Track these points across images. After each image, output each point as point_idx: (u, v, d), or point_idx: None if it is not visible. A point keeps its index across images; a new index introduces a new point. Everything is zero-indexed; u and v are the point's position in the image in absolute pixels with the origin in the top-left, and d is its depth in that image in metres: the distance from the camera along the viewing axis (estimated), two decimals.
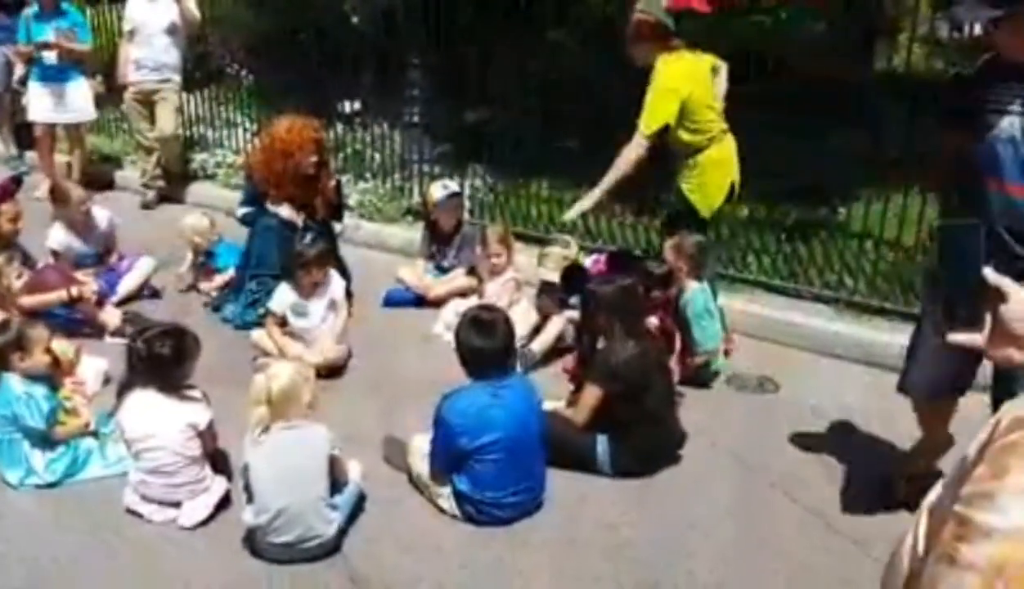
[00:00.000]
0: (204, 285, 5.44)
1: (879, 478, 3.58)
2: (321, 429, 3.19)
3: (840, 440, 4.01)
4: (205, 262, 5.49)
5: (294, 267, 4.60)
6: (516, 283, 5.03)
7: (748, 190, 4.86)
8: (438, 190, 5.59)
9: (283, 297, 4.64)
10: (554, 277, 4.80)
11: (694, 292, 4.47)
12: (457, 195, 5.63)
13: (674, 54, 4.33)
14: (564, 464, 3.63)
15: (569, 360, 4.30)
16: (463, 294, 5.29)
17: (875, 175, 5.52)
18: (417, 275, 5.54)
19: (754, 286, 5.44)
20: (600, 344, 3.69)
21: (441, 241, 5.62)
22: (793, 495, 3.59)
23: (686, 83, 4.29)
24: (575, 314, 4.52)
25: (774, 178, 5.70)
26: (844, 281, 5.26)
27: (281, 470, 3.11)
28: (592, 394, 3.63)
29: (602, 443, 3.62)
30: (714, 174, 4.47)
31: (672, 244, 4.54)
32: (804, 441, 4.00)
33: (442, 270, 5.58)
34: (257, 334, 4.66)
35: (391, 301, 5.46)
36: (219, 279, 5.42)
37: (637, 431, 3.60)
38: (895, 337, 4.72)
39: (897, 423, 3.80)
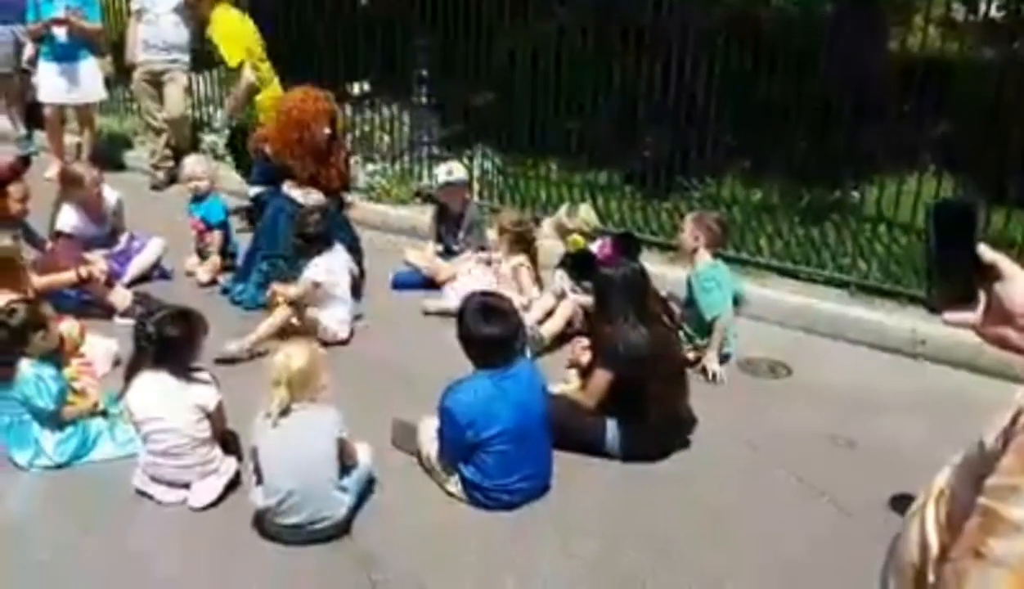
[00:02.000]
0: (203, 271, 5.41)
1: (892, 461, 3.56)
2: (331, 411, 3.18)
3: (853, 425, 3.98)
4: (194, 215, 5.49)
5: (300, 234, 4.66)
6: (527, 268, 5.00)
7: (760, 173, 4.84)
8: (440, 175, 5.59)
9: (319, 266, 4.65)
10: (548, 232, 4.86)
11: (703, 264, 4.44)
12: (456, 183, 5.54)
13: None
14: (573, 448, 3.62)
15: (578, 345, 4.27)
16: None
17: (889, 158, 5.46)
18: (426, 257, 5.52)
19: (767, 270, 5.41)
20: (609, 328, 3.66)
21: (450, 223, 5.59)
22: (805, 480, 3.58)
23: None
24: (586, 298, 4.50)
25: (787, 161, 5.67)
26: (858, 264, 5.23)
27: (291, 452, 3.10)
28: (602, 378, 3.61)
29: (611, 427, 3.61)
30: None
31: (694, 216, 4.53)
32: (816, 425, 3.98)
33: (451, 253, 5.55)
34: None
35: (400, 283, 5.44)
36: (215, 259, 5.42)
37: (647, 415, 3.58)
38: (908, 321, 4.69)
39: (911, 406, 3.77)
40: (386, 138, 7.24)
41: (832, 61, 5.44)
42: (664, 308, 4.10)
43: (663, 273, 5.00)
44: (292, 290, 4.61)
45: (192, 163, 5.65)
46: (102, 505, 3.35)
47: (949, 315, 1.22)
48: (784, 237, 5.55)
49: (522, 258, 4.98)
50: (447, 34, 6.43)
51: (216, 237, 5.45)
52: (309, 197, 5.13)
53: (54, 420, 3.58)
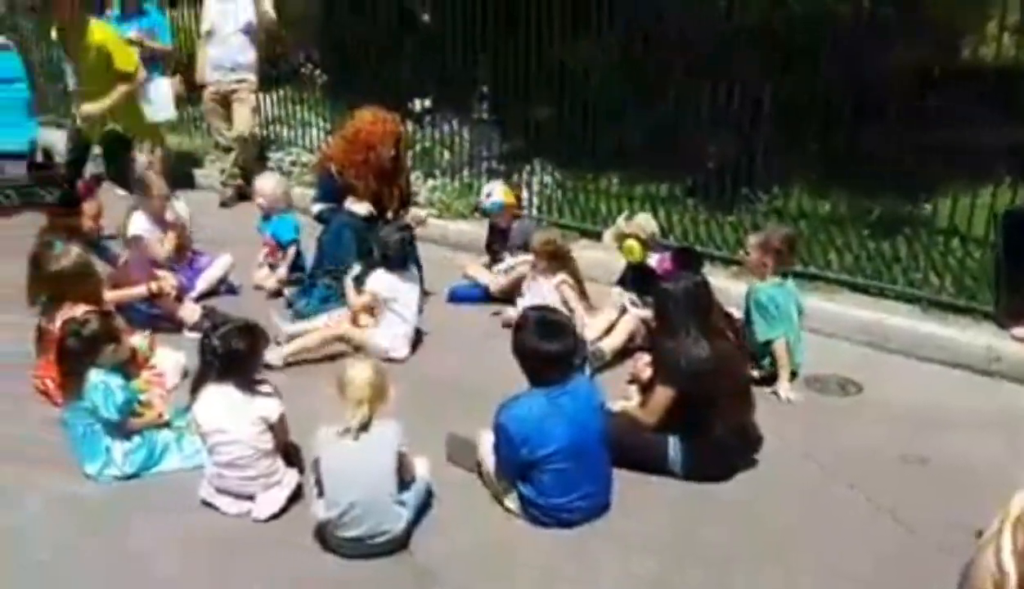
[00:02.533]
0: (270, 281, 5.50)
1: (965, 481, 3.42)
2: (392, 424, 3.18)
3: (924, 443, 3.85)
4: (264, 233, 5.60)
5: (382, 253, 4.69)
6: (570, 285, 4.94)
7: (830, 184, 4.73)
8: (482, 198, 5.71)
9: (381, 280, 4.70)
10: (607, 240, 4.88)
11: (764, 284, 4.35)
12: (490, 208, 5.66)
13: None
14: (634, 466, 3.56)
15: (640, 359, 4.21)
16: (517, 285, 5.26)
17: (963, 169, 5.28)
18: (482, 270, 5.55)
19: (836, 284, 5.29)
20: (671, 343, 3.59)
21: (500, 236, 5.63)
22: (873, 499, 3.47)
23: None
24: (647, 313, 4.44)
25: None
26: (930, 279, 5.07)
27: (353, 465, 3.12)
28: (663, 394, 3.54)
29: (674, 445, 3.54)
30: None
31: (759, 240, 4.43)
32: (886, 445, 3.85)
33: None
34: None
35: (457, 297, 5.47)
36: (282, 271, 5.51)
37: (710, 433, 3.50)
38: (983, 337, 4.52)
39: (985, 425, 3.63)
40: (447, 154, 7.29)
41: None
42: (729, 323, 4.01)
43: (727, 288, 4.92)
44: (360, 299, 4.66)
45: (261, 182, 5.76)
46: (169, 515, 3.41)
47: (1017, 330, 1.15)
48: (854, 251, 5.40)
49: (563, 275, 4.94)
50: (508, 50, 6.46)
51: (288, 254, 5.55)
52: (371, 209, 5.23)
53: (121, 430, 3.66)
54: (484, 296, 5.42)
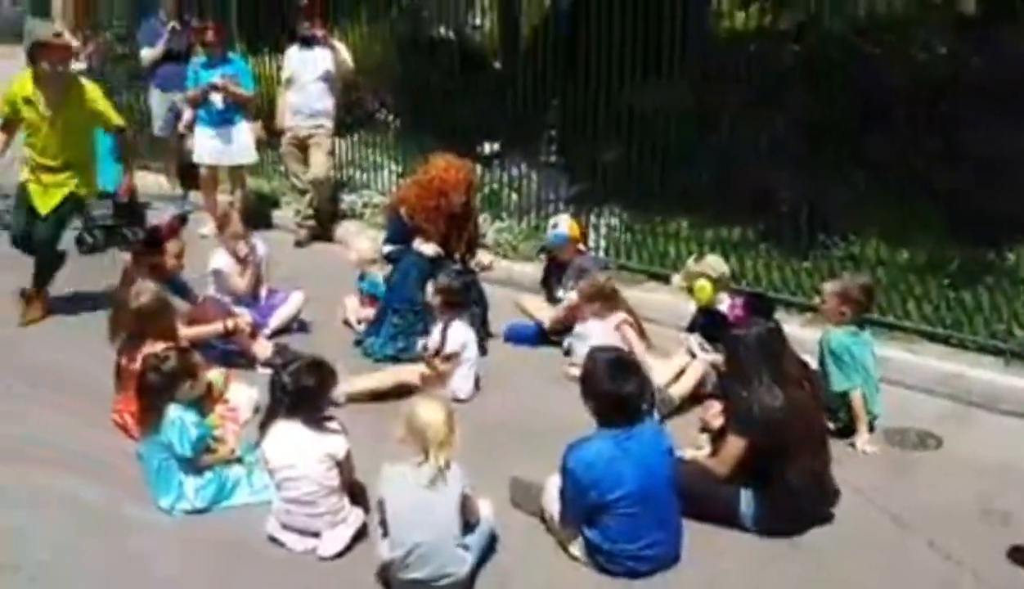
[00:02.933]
0: (362, 313, 5.57)
1: None
2: (456, 467, 3.18)
3: (1007, 499, 3.69)
4: (362, 290, 5.67)
5: (444, 299, 4.74)
6: (630, 323, 4.91)
7: (908, 232, 4.61)
8: (549, 230, 5.77)
9: (459, 334, 4.74)
10: (677, 283, 4.84)
11: (839, 332, 4.24)
12: (555, 240, 5.66)
13: None
14: (705, 517, 3.47)
15: (711, 407, 4.12)
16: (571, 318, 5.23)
17: None
18: (537, 306, 5.58)
19: (914, 335, 5.13)
20: (743, 391, 3.51)
21: (557, 271, 5.64)
22: (952, 556, 3.32)
23: None
24: (717, 358, 4.36)
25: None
26: (1014, 331, 4.87)
27: (418, 506, 3.11)
28: (735, 445, 3.46)
29: (746, 497, 3.44)
30: None
31: (837, 289, 4.32)
32: (967, 500, 3.69)
33: (556, 301, 5.56)
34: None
35: (511, 337, 5.46)
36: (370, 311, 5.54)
37: (784, 485, 3.39)
38: None
39: None
40: (514, 196, 7.35)
41: None
42: (804, 372, 3.91)
43: (801, 335, 4.80)
44: (443, 366, 4.69)
45: (358, 243, 5.83)
46: (237, 550, 3.44)
47: None
48: (933, 300, 5.23)
49: (621, 314, 4.90)
50: (576, 94, 6.52)
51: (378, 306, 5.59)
52: (438, 250, 5.32)
53: (193, 466, 3.74)
54: (538, 334, 5.40)
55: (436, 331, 4.78)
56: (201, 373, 3.90)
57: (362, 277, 5.70)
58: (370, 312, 5.48)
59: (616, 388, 3.22)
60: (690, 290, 4.84)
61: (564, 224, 5.74)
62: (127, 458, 3.94)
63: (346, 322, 5.62)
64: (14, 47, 9.52)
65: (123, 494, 3.74)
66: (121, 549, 3.29)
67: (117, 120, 5.92)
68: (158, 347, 4.08)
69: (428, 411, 3.16)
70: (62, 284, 5.92)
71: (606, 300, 4.94)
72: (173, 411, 3.75)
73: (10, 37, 13.11)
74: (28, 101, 5.40)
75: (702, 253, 5.61)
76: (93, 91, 5.75)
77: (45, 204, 5.52)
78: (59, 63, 5.48)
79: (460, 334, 4.73)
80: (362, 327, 5.46)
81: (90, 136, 5.84)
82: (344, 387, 4.49)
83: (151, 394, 3.82)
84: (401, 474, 3.13)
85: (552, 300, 5.62)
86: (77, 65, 7.45)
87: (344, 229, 7.65)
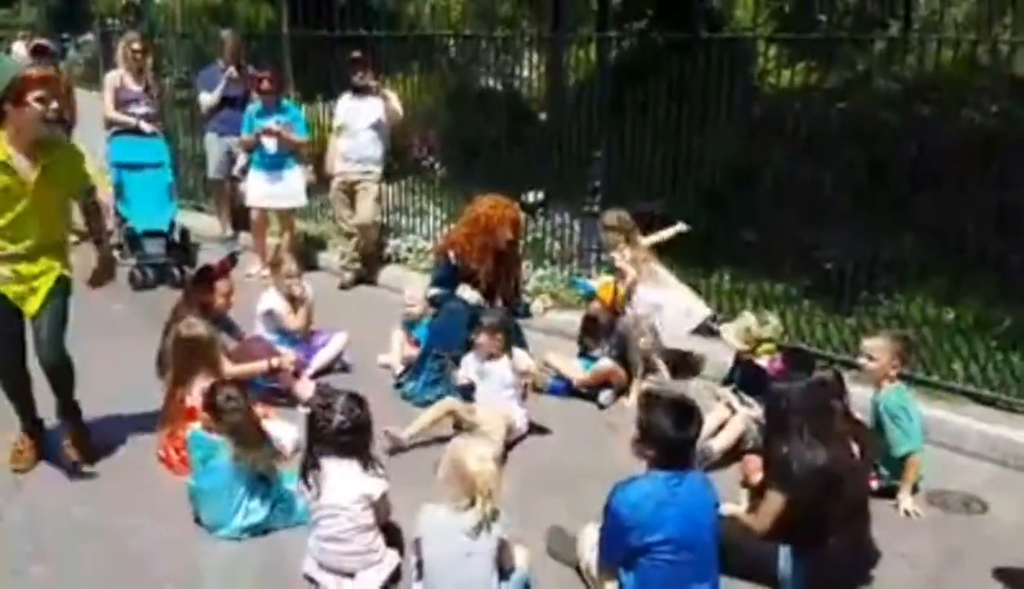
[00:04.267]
0: (405, 352, 5.64)
1: None
2: (503, 515, 3.17)
3: None
4: (412, 334, 5.73)
5: (476, 332, 4.83)
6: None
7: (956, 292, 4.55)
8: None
9: (467, 363, 4.87)
10: (732, 341, 4.77)
11: (891, 389, 4.18)
12: (586, 289, 5.86)
13: None
14: (742, 574, 3.43)
15: (750, 462, 4.07)
16: (608, 382, 5.30)
17: None
18: (566, 362, 5.53)
19: (961, 396, 5.03)
20: (785, 447, 3.47)
21: (596, 332, 5.65)
22: None
23: None
24: (758, 412, 4.33)
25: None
26: None
27: (456, 553, 3.12)
28: (775, 501, 3.41)
29: (785, 556, 3.39)
30: None
31: (886, 341, 4.27)
32: (1012, 570, 3.57)
33: (591, 360, 5.54)
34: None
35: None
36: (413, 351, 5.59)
37: (824, 545, 3.34)
38: None
39: None
40: (556, 244, 7.42)
41: None
42: (855, 428, 3.83)
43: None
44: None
45: (412, 290, 5.90)
46: (275, 580, 3.47)
47: None
48: (980, 361, 5.14)
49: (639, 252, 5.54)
50: (622, 147, 6.60)
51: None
52: (480, 297, 5.38)
53: (244, 491, 3.82)
54: (568, 389, 5.39)
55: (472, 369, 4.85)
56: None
57: (412, 325, 5.76)
58: (414, 353, 5.55)
59: (674, 432, 3.16)
60: (754, 350, 4.78)
61: (597, 281, 5.82)
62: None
63: (385, 366, 5.67)
64: None
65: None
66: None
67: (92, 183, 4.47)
68: (202, 382, 4.19)
69: (478, 459, 3.14)
70: (113, 320, 6.06)
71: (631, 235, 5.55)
72: (211, 436, 3.86)
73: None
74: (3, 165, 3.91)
75: (756, 309, 5.56)
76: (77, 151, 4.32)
77: (32, 303, 4.09)
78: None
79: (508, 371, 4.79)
80: (400, 368, 5.53)
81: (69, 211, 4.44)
82: (409, 430, 4.55)
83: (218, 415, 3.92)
84: (443, 517, 3.14)
85: (589, 360, 5.57)
86: (140, 109, 7.73)
87: (389, 273, 7.78)
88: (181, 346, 4.51)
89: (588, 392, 5.35)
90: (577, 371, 5.44)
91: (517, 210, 5.59)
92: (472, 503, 3.11)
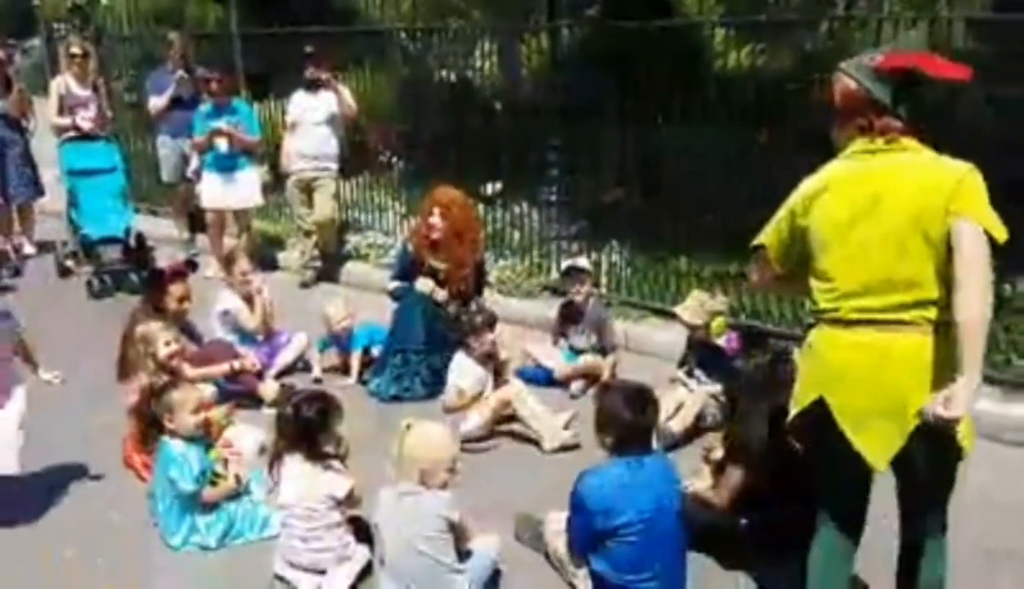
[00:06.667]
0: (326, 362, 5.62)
1: None
2: (442, 494, 3.22)
3: (1008, 538, 3.69)
4: (340, 347, 5.65)
5: (464, 336, 4.97)
6: None
7: None
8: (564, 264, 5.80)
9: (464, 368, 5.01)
10: (686, 317, 4.81)
11: None
12: (578, 270, 5.58)
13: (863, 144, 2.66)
14: (707, 549, 3.49)
15: (708, 440, 4.14)
16: (590, 375, 5.28)
17: None
18: (547, 352, 5.55)
19: None
20: (743, 423, 3.55)
21: (573, 320, 5.59)
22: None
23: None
24: (716, 390, 4.41)
25: None
26: (1011, 361, 4.90)
27: (404, 532, 3.18)
28: (734, 476, 3.49)
29: (747, 527, 3.46)
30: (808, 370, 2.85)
31: None
32: (971, 536, 3.62)
33: (575, 351, 5.53)
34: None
35: (523, 378, 5.46)
36: (355, 358, 5.54)
37: (786, 515, 3.41)
38: None
39: None
40: (516, 234, 7.45)
41: None
42: None
43: None
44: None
45: (331, 311, 5.64)
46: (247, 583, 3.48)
47: None
48: None
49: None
50: (579, 135, 6.64)
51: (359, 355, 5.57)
52: (436, 288, 5.39)
53: (197, 501, 3.79)
54: (549, 380, 5.40)
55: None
56: (177, 407, 3.89)
57: (345, 337, 5.60)
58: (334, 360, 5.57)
59: (635, 417, 3.23)
60: (707, 326, 4.85)
61: (582, 260, 5.88)
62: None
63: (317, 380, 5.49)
64: None
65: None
66: None
67: None
68: (145, 379, 4.20)
69: (427, 442, 3.26)
70: (72, 329, 5.98)
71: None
72: (178, 446, 3.81)
73: None
74: None
75: (710, 289, 5.64)
76: None
77: None
78: None
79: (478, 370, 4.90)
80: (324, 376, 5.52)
81: None
82: (474, 420, 4.65)
83: (149, 423, 3.90)
84: (394, 501, 3.22)
85: (572, 351, 5.54)
86: (87, 114, 7.62)
87: (349, 270, 7.76)
88: (135, 348, 4.48)
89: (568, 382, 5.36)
90: (560, 363, 5.42)
91: (447, 193, 5.51)
92: (423, 485, 3.18)
